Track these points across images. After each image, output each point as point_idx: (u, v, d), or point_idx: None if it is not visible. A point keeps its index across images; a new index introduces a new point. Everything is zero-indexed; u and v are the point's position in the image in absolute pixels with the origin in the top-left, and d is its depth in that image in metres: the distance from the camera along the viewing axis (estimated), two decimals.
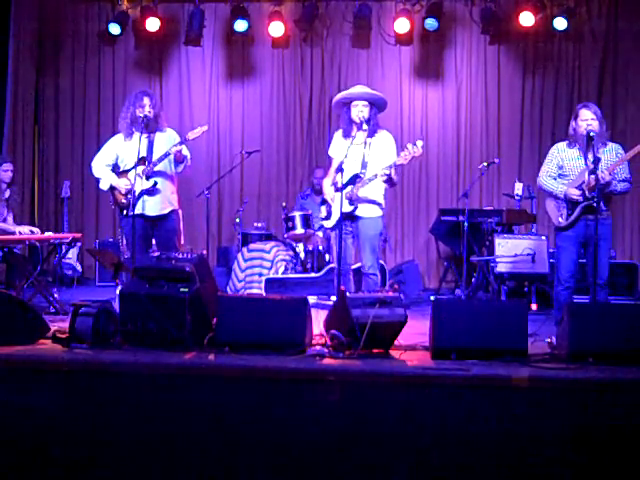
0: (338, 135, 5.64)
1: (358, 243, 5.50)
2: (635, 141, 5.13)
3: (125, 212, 5.64)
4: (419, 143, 5.22)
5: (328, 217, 5.62)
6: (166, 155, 5.56)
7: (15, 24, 8.78)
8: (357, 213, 5.39)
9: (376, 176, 5.28)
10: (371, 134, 5.41)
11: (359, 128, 5.42)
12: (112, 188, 5.72)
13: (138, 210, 5.58)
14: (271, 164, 9.14)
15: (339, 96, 5.62)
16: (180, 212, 5.84)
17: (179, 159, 5.63)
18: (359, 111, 5.41)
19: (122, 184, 5.64)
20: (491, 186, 8.85)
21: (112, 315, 4.50)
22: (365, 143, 5.38)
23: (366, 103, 5.42)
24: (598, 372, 3.92)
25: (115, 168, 5.76)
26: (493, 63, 8.88)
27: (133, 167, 5.57)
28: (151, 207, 5.63)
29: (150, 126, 5.62)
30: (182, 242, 5.86)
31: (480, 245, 7.49)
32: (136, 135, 5.54)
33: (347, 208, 5.33)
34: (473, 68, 8.90)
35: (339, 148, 5.56)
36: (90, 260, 8.62)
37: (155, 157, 5.61)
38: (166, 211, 5.69)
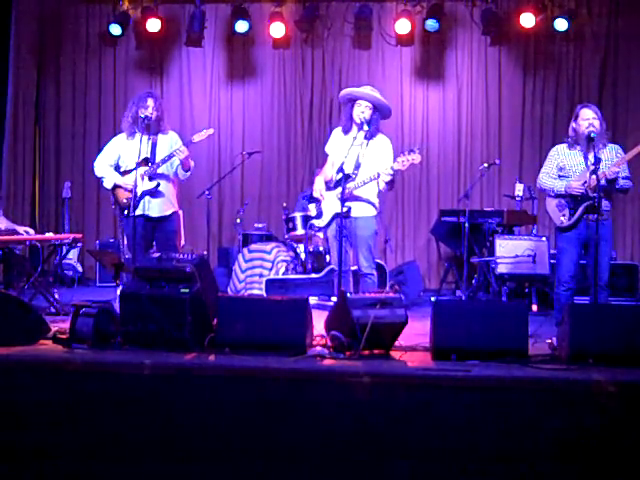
0: (337, 131, 5.62)
1: (353, 244, 5.39)
2: (636, 142, 5.12)
3: (127, 212, 5.64)
4: (417, 157, 5.19)
5: (319, 216, 5.56)
6: (170, 157, 5.58)
7: (16, 25, 8.80)
8: (351, 214, 5.28)
9: (379, 176, 5.22)
10: (369, 137, 5.36)
11: (360, 128, 5.38)
12: (114, 187, 5.73)
13: (140, 211, 5.60)
14: (272, 165, 9.15)
15: (346, 91, 5.56)
16: (180, 213, 5.85)
17: (186, 166, 5.65)
18: (361, 111, 5.37)
19: (128, 182, 5.61)
20: (492, 187, 8.85)
21: (113, 316, 4.51)
22: (362, 145, 5.34)
23: (369, 104, 5.38)
24: (598, 373, 3.91)
25: (116, 168, 5.76)
26: (494, 64, 8.88)
27: (135, 168, 5.56)
28: (154, 208, 5.66)
29: (152, 127, 5.64)
30: (182, 243, 5.87)
31: (481, 246, 7.49)
32: (138, 136, 5.55)
33: (340, 209, 5.16)
34: (474, 69, 8.90)
35: (336, 144, 5.55)
36: (91, 260, 8.62)
37: (158, 159, 5.62)
38: (168, 212, 5.72)
